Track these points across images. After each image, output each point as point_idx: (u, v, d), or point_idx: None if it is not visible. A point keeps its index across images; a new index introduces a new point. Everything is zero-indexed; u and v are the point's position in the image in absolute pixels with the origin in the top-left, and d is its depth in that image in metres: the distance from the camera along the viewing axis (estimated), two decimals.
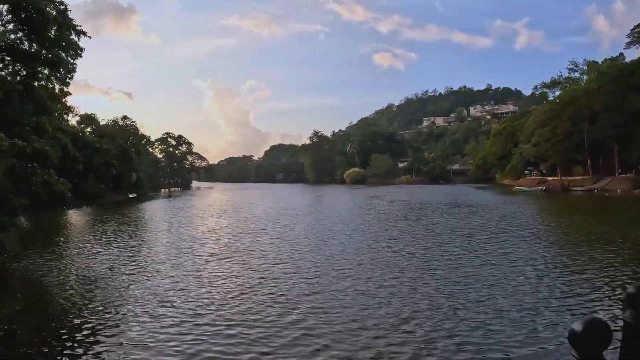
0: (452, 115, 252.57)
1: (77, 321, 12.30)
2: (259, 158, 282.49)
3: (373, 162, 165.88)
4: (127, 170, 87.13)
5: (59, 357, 10.09)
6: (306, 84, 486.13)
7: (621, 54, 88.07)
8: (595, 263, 18.09)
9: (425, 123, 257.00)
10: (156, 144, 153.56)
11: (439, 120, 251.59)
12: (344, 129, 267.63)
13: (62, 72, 30.65)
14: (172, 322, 11.92)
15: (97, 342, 10.62)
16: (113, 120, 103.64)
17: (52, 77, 30.88)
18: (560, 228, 29.66)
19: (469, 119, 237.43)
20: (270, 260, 20.45)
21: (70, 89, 40.56)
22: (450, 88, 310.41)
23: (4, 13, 25.88)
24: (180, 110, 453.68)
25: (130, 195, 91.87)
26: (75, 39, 30.41)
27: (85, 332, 11.36)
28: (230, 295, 14.61)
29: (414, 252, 21.64)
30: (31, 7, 24.58)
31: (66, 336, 11.21)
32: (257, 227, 33.66)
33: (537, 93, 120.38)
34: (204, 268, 19.22)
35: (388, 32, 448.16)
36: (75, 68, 31.69)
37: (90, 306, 13.80)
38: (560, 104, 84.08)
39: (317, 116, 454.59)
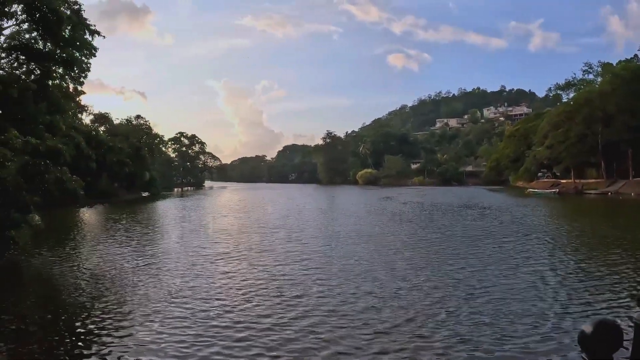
0: (466, 116, 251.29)
1: (87, 319, 12.38)
2: (271, 158, 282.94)
3: (386, 163, 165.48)
4: (140, 169, 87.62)
5: (69, 355, 10.14)
6: (320, 85, 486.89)
7: (636, 55, 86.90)
8: (608, 266, 17.89)
9: (438, 124, 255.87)
10: (169, 143, 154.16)
11: (452, 122, 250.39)
12: (357, 129, 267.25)
13: (76, 72, 30.77)
14: (183, 323, 11.91)
15: (108, 342, 10.66)
16: (127, 120, 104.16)
17: (66, 76, 31.01)
18: (573, 231, 29.43)
19: (482, 120, 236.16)
20: (282, 261, 20.45)
21: (84, 88, 40.71)
22: (464, 89, 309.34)
23: (19, 13, 26.08)
24: (194, 110, 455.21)
25: (143, 194, 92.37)
26: (90, 38, 30.52)
27: (95, 331, 11.41)
28: (241, 296, 14.61)
29: (426, 254, 21.52)
30: (45, 7, 24.74)
31: (77, 334, 11.27)
32: (269, 227, 33.72)
33: (551, 95, 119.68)
34: (215, 268, 19.25)
35: (402, 33, 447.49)
36: (89, 67, 31.82)
37: (101, 305, 13.87)
38: (574, 106, 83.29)
39: (330, 117, 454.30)
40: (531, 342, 10.13)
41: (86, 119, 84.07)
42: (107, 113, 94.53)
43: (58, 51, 27.28)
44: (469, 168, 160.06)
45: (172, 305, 13.56)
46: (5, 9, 25.10)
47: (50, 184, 22.03)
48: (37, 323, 12.32)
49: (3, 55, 27.06)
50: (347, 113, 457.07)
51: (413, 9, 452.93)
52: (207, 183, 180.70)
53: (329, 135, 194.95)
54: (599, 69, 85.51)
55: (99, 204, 60.30)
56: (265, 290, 15.31)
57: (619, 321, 2.91)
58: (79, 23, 28.78)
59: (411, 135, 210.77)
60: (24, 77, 26.55)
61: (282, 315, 12.43)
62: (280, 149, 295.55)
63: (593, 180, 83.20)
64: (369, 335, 10.79)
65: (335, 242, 26.02)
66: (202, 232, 32.22)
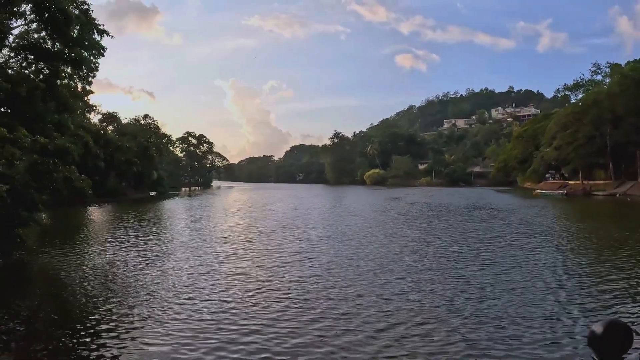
0: (473, 117, 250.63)
1: (94, 319, 12.40)
2: (279, 158, 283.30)
3: (393, 164, 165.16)
4: (148, 168, 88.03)
5: (76, 354, 10.18)
6: (327, 85, 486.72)
7: None
8: (617, 268, 17.75)
9: (446, 125, 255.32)
10: (177, 143, 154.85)
11: (460, 122, 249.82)
12: (364, 130, 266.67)
13: (85, 71, 30.93)
14: (189, 323, 11.94)
15: (114, 341, 10.69)
16: (135, 119, 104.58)
17: (75, 76, 31.19)
18: (581, 233, 29.20)
19: (490, 121, 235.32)
20: (289, 261, 20.43)
21: (92, 87, 40.89)
22: (472, 90, 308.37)
23: (28, 12, 26.23)
24: (202, 109, 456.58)
25: (151, 194, 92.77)
26: (98, 38, 30.70)
27: (101, 331, 11.45)
28: (247, 297, 14.59)
29: (433, 255, 21.44)
30: (54, 7, 24.88)
31: (83, 333, 11.30)
32: (276, 227, 33.76)
33: (559, 96, 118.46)
34: (222, 268, 19.25)
35: (409, 33, 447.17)
36: (97, 67, 31.99)
37: (107, 304, 13.92)
38: (582, 107, 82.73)
39: (338, 117, 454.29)
40: (540, 346, 10.06)
41: (94, 118, 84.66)
42: (115, 112, 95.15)
43: (67, 51, 27.42)
44: (477, 169, 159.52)
45: (179, 305, 13.57)
46: (15, 9, 25.23)
47: (58, 183, 22.16)
48: (43, 321, 12.40)
49: (12, 54, 27.22)
50: (355, 113, 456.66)
51: (421, 9, 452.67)
52: (215, 183, 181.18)
53: (337, 135, 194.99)
54: (608, 69, 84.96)
55: (106, 203, 60.60)
56: (272, 291, 15.29)
57: (629, 323, 2.87)
58: (88, 23, 28.94)
59: (419, 136, 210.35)
60: (32, 76, 26.70)
61: (289, 316, 12.42)
62: (288, 149, 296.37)
63: (601, 182, 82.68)
64: (374, 338, 10.74)
65: (342, 242, 25.98)
66: (209, 231, 32.25)
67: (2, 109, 25.60)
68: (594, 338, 2.87)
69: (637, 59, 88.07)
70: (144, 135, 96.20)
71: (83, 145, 44.41)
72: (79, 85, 34.42)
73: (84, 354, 10.10)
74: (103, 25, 30.81)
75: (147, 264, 20.20)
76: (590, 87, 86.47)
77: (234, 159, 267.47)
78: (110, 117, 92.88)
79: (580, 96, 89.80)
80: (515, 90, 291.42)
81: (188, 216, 46.30)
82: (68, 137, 29.59)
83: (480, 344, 10.29)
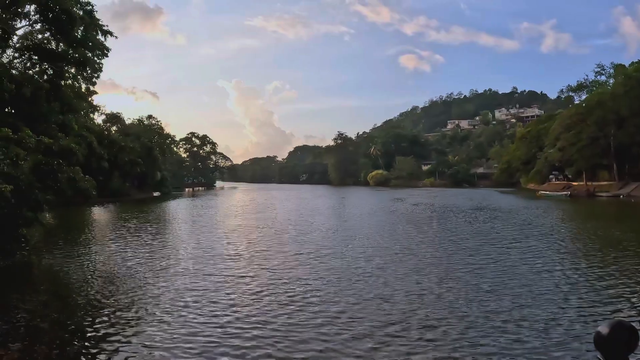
0: (477, 118, 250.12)
1: (97, 319, 12.45)
2: (282, 159, 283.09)
3: (397, 165, 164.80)
4: (151, 168, 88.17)
5: (79, 354, 10.22)
6: (331, 86, 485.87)
7: None
8: (622, 270, 17.73)
9: (449, 126, 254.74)
10: (181, 143, 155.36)
11: (464, 123, 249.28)
12: (368, 130, 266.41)
13: (89, 72, 31.05)
14: (193, 324, 11.98)
15: (118, 341, 10.74)
16: (138, 120, 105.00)
17: (79, 76, 31.32)
18: (585, 234, 29.11)
19: (494, 122, 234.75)
20: (292, 262, 20.46)
21: (96, 88, 41.30)
22: (476, 91, 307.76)
23: (32, 13, 26.33)
24: (205, 110, 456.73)
25: (154, 194, 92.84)
26: (102, 39, 30.83)
27: (105, 331, 11.48)
28: (251, 297, 14.62)
29: (436, 257, 21.39)
30: (58, 8, 24.96)
31: (87, 333, 11.36)
32: (280, 228, 33.80)
33: (563, 96, 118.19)
34: (225, 269, 19.24)
35: (413, 34, 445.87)
36: (101, 67, 32.12)
37: (111, 304, 13.97)
38: (586, 107, 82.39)
39: (341, 118, 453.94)
40: (545, 348, 10.05)
41: (98, 118, 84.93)
42: (119, 113, 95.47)
43: (70, 51, 27.50)
44: (480, 170, 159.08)
45: (182, 305, 13.60)
46: (19, 10, 25.32)
47: (63, 183, 22.22)
48: (47, 321, 12.42)
49: (16, 55, 27.31)
50: (358, 114, 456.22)
51: (424, 9, 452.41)
52: (218, 183, 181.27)
53: (340, 136, 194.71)
54: (612, 70, 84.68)
55: (110, 203, 60.77)
56: (275, 292, 15.30)
57: (635, 323, 2.86)
58: (92, 24, 29.06)
59: (422, 137, 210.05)
60: (37, 77, 26.78)
61: (292, 317, 12.42)
62: (291, 149, 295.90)
63: (605, 183, 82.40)
64: (377, 340, 10.73)
65: (346, 243, 26.00)
66: (212, 232, 32.29)
67: (7, 109, 25.67)
68: (600, 339, 2.87)
69: None
70: (148, 136, 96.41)
71: (87, 146, 44.46)
72: (83, 86, 34.58)
73: (87, 354, 10.13)
74: (107, 26, 30.98)
75: (150, 264, 20.23)
76: (594, 88, 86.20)
77: (238, 160, 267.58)
78: (114, 118, 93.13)
79: (584, 97, 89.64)
80: (518, 91, 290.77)
81: (191, 217, 46.37)
82: (72, 137, 29.69)
83: (485, 345, 10.28)
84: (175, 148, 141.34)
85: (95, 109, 75.76)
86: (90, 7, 28.71)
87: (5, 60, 26.29)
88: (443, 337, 10.86)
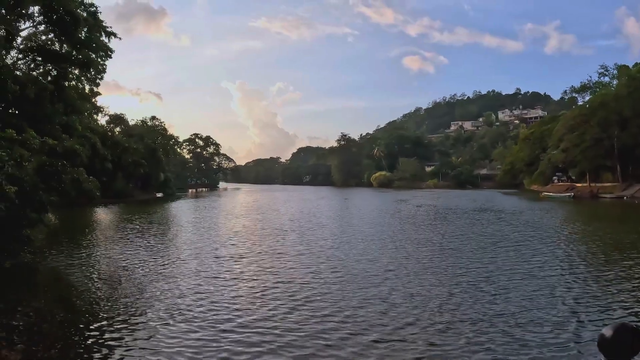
0: (480, 119, 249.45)
1: (100, 319, 12.49)
2: (286, 160, 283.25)
3: (400, 166, 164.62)
4: (155, 169, 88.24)
5: (82, 354, 10.25)
6: (334, 87, 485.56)
7: None
8: (626, 272, 17.70)
9: (453, 127, 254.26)
10: (184, 144, 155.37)
11: (467, 125, 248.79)
12: (371, 132, 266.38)
13: (92, 73, 31.16)
14: (194, 326, 12.00)
15: (120, 342, 10.78)
16: (142, 121, 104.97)
17: (83, 78, 31.44)
18: (589, 236, 29.03)
19: (497, 123, 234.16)
20: (295, 264, 20.45)
21: (100, 89, 41.27)
22: (479, 92, 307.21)
23: (36, 14, 26.41)
24: (209, 111, 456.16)
25: (158, 195, 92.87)
26: (106, 40, 30.92)
27: (108, 332, 11.51)
28: (253, 299, 14.64)
29: (441, 260, 21.32)
30: (62, 9, 25.03)
31: (90, 334, 11.37)
32: (283, 230, 33.79)
33: (566, 98, 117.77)
34: (227, 270, 19.27)
35: (417, 35, 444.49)
36: (105, 69, 32.24)
37: (114, 305, 14.00)
38: (589, 109, 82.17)
39: (344, 119, 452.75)
40: (549, 350, 10.03)
41: (102, 119, 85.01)
42: (122, 114, 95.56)
43: (74, 52, 27.57)
44: (484, 171, 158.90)
45: (185, 309, 13.60)
46: (23, 11, 25.39)
47: (67, 184, 22.26)
48: (51, 322, 12.44)
49: (20, 56, 27.38)
50: (362, 115, 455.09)
51: (428, 10, 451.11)
52: (222, 184, 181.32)
53: (344, 137, 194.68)
54: (615, 71, 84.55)
55: (113, 204, 60.85)
56: (278, 294, 15.30)
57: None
58: (95, 25, 29.13)
59: (426, 138, 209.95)
60: (40, 78, 26.84)
61: (295, 320, 12.41)
62: (295, 150, 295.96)
63: (608, 184, 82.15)
64: (381, 341, 10.72)
65: (349, 245, 25.99)
66: (216, 233, 32.34)
67: (11, 111, 25.73)
68: (604, 341, 2.86)
69: None
70: (151, 137, 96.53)
71: (91, 147, 44.57)
72: (87, 87, 34.70)
73: (90, 355, 10.15)
74: (111, 27, 31.05)
75: (153, 265, 20.27)
76: (598, 89, 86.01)
77: (241, 161, 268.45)
78: (117, 119, 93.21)
79: (587, 98, 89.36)
80: (522, 92, 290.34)
81: (195, 218, 46.39)
82: (76, 138, 29.74)
83: (489, 348, 10.25)
84: (178, 149, 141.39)
85: (99, 110, 76.00)
86: (94, 8, 28.83)
87: (9, 61, 26.36)
88: (447, 340, 10.83)
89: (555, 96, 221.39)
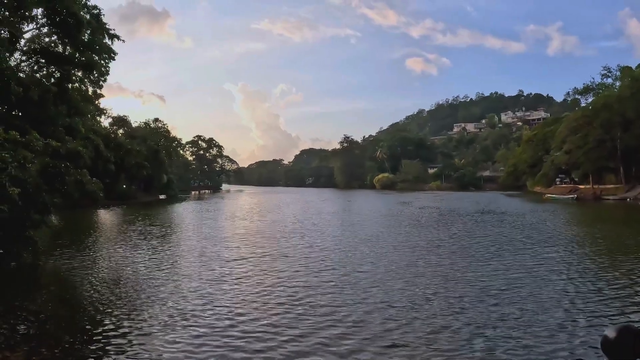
0: (483, 121, 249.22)
1: (103, 321, 12.48)
2: (289, 162, 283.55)
3: (403, 168, 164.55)
4: (158, 171, 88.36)
5: (84, 356, 10.24)
6: (337, 89, 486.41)
7: None
8: (629, 274, 17.64)
9: (455, 129, 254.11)
10: (187, 146, 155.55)
11: (470, 127, 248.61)
12: (374, 134, 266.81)
13: (96, 75, 31.23)
14: (196, 328, 11.99)
15: (122, 344, 10.77)
16: (145, 123, 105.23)
17: (86, 80, 31.51)
18: (592, 238, 28.93)
19: (500, 125, 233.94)
20: (298, 267, 20.36)
21: (103, 91, 41.43)
22: (482, 94, 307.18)
23: (39, 16, 26.47)
24: (211, 113, 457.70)
25: (161, 197, 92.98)
26: (109, 42, 30.98)
27: (110, 333, 11.51)
28: (255, 303, 14.58)
29: (443, 262, 21.23)
30: (65, 11, 25.08)
31: (92, 336, 11.38)
32: (286, 232, 33.77)
33: (569, 99, 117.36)
34: (230, 273, 19.20)
35: (420, 37, 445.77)
36: (108, 71, 32.31)
37: (116, 307, 13.99)
38: (592, 110, 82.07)
39: (347, 121, 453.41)
40: (552, 353, 10.00)
41: (105, 121, 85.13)
42: (125, 116, 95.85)
43: (77, 55, 27.63)
44: (487, 173, 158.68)
45: (188, 310, 13.60)
46: (26, 13, 25.45)
47: (70, 186, 22.29)
48: (53, 324, 12.45)
49: (24, 58, 27.46)
50: (365, 117, 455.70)
51: (431, 12, 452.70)
52: (224, 186, 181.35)
53: (346, 139, 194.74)
54: (618, 72, 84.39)
55: (116, 206, 60.93)
56: (280, 297, 15.26)
57: None
58: (99, 27, 29.21)
59: (428, 140, 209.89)
60: (44, 80, 26.91)
61: (298, 324, 12.36)
62: (297, 152, 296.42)
63: (612, 186, 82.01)
64: (384, 347, 10.64)
65: (352, 248, 25.95)
66: (218, 235, 32.33)
67: (15, 112, 25.80)
68: (607, 343, 2.85)
69: None
70: (154, 139, 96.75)
71: (94, 149, 44.68)
72: (90, 89, 34.74)
73: (92, 357, 10.15)
74: (114, 29, 31.13)
75: (156, 267, 20.28)
76: (601, 91, 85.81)
77: (244, 163, 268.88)
78: (120, 121, 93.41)
79: (590, 100, 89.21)
80: (525, 94, 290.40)
81: (198, 220, 46.43)
82: (79, 140, 29.78)
83: (492, 352, 10.21)
84: (181, 151, 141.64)
85: (102, 112, 76.02)
86: (97, 10, 28.90)
87: (12, 63, 26.43)
88: (450, 343, 10.80)
89: (558, 98, 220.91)
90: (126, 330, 11.70)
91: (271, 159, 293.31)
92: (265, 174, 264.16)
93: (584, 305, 13.53)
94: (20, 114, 25.80)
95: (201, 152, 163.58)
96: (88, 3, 28.73)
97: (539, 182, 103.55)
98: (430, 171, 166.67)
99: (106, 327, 11.92)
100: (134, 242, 28.13)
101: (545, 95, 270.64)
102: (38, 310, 13.61)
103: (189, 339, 11.10)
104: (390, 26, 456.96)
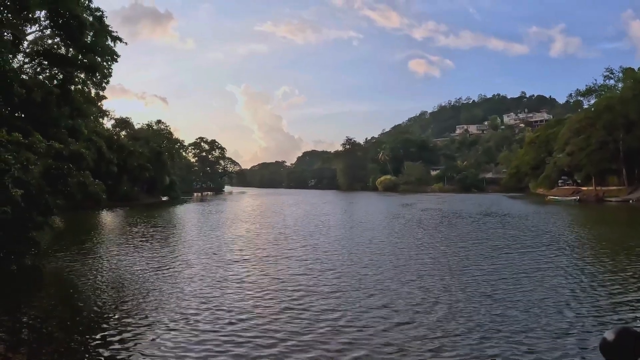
0: (486, 123, 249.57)
1: (105, 323, 12.47)
2: (291, 164, 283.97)
3: (405, 170, 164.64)
4: (160, 173, 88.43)
5: (85, 358, 10.25)
6: (339, 91, 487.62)
7: None
8: (632, 277, 17.57)
9: (458, 131, 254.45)
10: (189, 148, 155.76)
11: (472, 128, 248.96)
12: (376, 135, 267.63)
13: (98, 77, 31.28)
14: (198, 330, 11.97)
15: (123, 345, 10.77)
16: (147, 124, 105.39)
17: (88, 81, 31.58)
18: (595, 240, 28.81)
19: (502, 127, 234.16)
20: (300, 269, 20.31)
21: (105, 93, 41.44)
22: (484, 96, 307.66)
23: (42, 18, 26.53)
24: (214, 114, 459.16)
25: (163, 198, 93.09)
26: (111, 44, 31.04)
27: (112, 335, 11.49)
28: (258, 305, 14.55)
29: (446, 264, 21.17)
30: (68, 13, 25.14)
31: (94, 337, 11.36)
32: (288, 234, 33.70)
33: (572, 101, 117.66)
34: (233, 275, 19.15)
35: (422, 39, 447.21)
36: (111, 73, 32.37)
37: (118, 309, 13.99)
38: (595, 112, 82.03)
39: (350, 122, 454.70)
40: (554, 356, 9.96)
41: (107, 123, 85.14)
42: (128, 118, 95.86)
43: (80, 57, 27.70)
44: (489, 175, 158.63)
45: (190, 312, 13.57)
46: (29, 15, 25.51)
47: (73, 188, 22.33)
48: (55, 325, 12.43)
49: (27, 60, 27.53)
50: (367, 119, 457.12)
51: (434, 14, 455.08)
52: (227, 188, 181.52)
53: (349, 141, 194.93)
54: (620, 74, 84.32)
55: (119, 208, 60.99)
56: (282, 299, 15.22)
57: None
58: (101, 29, 29.27)
59: (431, 142, 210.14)
60: (47, 82, 26.97)
61: (299, 326, 12.35)
62: (300, 154, 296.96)
63: (614, 188, 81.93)
64: (384, 350, 10.59)
65: (354, 249, 25.90)
66: (220, 237, 32.29)
67: (17, 114, 25.85)
68: (606, 345, 2.85)
69: None
70: (157, 141, 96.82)
71: (96, 150, 44.69)
72: (93, 91, 34.84)
73: (93, 358, 10.16)
74: (117, 32, 31.17)
75: (158, 269, 20.24)
76: (603, 92, 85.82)
77: (246, 165, 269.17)
78: (123, 122, 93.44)
79: (593, 101, 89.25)
80: (527, 95, 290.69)
81: (200, 222, 46.44)
82: (82, 142, 29.84)
83: (494, 354, 10.19)
84: (184, 153, 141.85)
85: (104, 113, 76.02)
86: (100, 13, 28.94)
87: (15, 65, 26.52)
88: (452, 345, 10.76)
89: (561, 99, 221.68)
90: (127, 331, 11.69)
91: (274, 161, 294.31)
92: (268, 176, 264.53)
93: (589, 308, 13.48)
94: (23, 115, 25.85)
95: (204, 153, 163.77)
96: (91, 5, 28.85)
97: (542, 184, 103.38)
98: (433, 173, 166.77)
99: (108, 328, 11.92)
100: (136, 244, 28.13)
101: (547, 97, 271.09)
102: (40, 312, 13.63)
103: (191, 340, 11.08)
104: (393, 28, 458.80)
